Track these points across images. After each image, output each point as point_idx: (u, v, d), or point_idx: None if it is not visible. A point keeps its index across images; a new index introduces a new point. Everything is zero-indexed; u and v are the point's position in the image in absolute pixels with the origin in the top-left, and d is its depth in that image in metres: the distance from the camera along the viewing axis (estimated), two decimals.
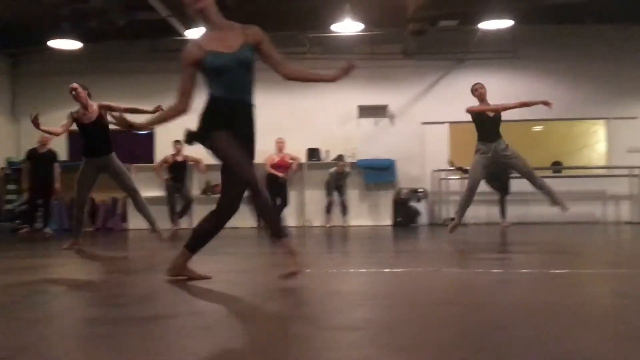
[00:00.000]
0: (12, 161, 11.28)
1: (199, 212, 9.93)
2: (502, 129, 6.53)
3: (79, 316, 2.69)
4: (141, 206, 6.18)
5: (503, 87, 11.05)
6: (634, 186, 10.81)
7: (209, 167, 9.53)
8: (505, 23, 9.31)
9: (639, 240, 7.18)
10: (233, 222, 3.41)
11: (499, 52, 10.81)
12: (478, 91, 6.57)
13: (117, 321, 2.41)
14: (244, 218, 4.08)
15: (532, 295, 3.03)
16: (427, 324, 2.33)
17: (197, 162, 9.99)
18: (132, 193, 6.11)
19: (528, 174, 6.45)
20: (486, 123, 6.48)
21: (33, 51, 11.08)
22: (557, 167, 11.58)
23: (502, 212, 9.74)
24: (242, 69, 3.27)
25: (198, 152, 10.46)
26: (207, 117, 3.27)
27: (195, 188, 10.83)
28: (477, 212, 10.83)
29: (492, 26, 9.49)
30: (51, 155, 9.25)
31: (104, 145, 5.88)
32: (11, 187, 11.19)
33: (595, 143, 12.02)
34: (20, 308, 2.78)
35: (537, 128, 12.58)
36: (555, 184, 11.18)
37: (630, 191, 10.85)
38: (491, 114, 6.51)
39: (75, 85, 5.83)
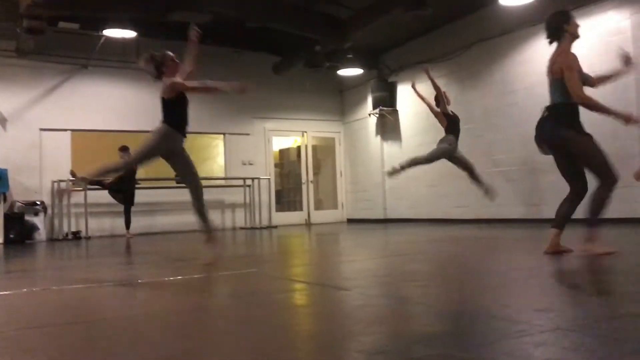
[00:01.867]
0: None
1: None
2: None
3: None
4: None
5: (127, 97, 11.02)
6: (247, 195, 12.08)
7: None
8: (129, 33, 9.29)
9: (249, 244, 8.01)
10: None
11: (124, 61, 10.70)
12: (447, 96, 7.72)
13: None
14: None
15: (141, 305, 3.03)
16: (22, 349, 2.08)
17: None
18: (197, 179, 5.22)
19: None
20: (456, 122, 7.71)
21: None
22: None
23: (127, 223, 9.66)
24: None
25: None
26: (577, 117, 4.04)
27: None
28: (102, 225, 10.51)
29: (116, 35, 9.35)
30: None
31: None
32: None
33: (216, 156, 13.02)
34: None
35: None
36: (180, 194, 11.82)
37: (244, 200, 12.09)
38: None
39: None
